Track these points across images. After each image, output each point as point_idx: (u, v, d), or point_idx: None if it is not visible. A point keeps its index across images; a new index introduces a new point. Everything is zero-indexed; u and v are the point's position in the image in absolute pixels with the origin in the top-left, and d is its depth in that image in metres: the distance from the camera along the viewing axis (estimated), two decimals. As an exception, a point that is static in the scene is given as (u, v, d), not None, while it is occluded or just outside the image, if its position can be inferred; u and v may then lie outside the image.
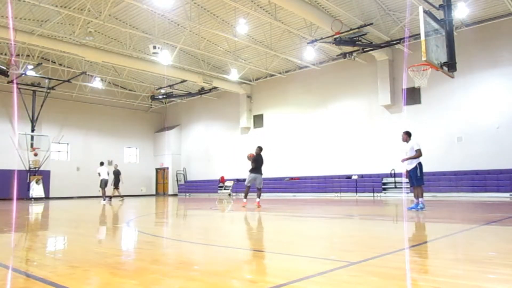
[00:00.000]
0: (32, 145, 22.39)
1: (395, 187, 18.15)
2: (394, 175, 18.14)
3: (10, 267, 3.35)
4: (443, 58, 8.44)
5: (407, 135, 9.19)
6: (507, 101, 15.98)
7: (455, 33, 9.26)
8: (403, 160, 9.10)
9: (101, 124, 27.97)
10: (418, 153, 8.91)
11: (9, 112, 23.82)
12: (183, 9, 16.48)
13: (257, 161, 11.71)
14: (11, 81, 21.56)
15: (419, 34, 7.76)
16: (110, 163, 28.03)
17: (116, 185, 18.51)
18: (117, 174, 18.63)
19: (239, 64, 21.85)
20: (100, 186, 17.38)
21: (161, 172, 30.92)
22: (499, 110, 16.15)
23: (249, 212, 10.26)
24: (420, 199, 8.94)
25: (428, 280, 2.73)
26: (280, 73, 23.06)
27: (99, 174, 17.56)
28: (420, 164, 9.01)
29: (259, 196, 11.68)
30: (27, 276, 3.01)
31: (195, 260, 3.77)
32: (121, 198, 19.18)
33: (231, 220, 8.95)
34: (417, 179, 8.95)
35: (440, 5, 9.06)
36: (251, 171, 11.69)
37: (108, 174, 17.78)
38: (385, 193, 18.52)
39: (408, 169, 9.10)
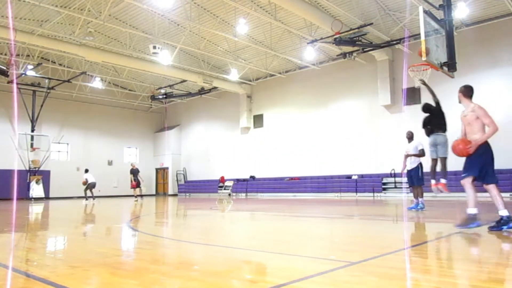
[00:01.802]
0: (32, 145, 22.40)
1: (395, 187, 18.14)
2: (394, 175, 18.13)
3: (10, 267, 3.35)
4: (443, 58, 8.43)
5: (412, 134, 9.34)
6: (507, 101, 15.98)
7: (455, 33, 9.25)
8: (407, 156, 9.16)
9: (101, 124, 27.95)
10: (421, 153, 8.97)
11: (9, 112, 23.81)
12: (183, 9, 16.48)
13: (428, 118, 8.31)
14: (11, 81, 21.56)
15: (419, 34, 7.75)
16: (110, 163, 28.08)
17: (138, 184, 18.85)
18: (135, 173, 18.82)
19: (239, 64, 21.84)
20: (89, 189, 17.92)
21: (161, 172, 30.91)
22: (499, 110, 16.11)
23: (248, 212, 10.26)
24: (420, 199, 8.96)
25: (428, 280, 2.73)
26: (280, 73, 23.05)
27: (87, 180, 18.00)
28: (421, 164, 9.05)
29: (443, 175, 7.70)
30: (27, 276, 3.01)
31: (195, 260, 3.77)
32: (136, 198, 19.18)
33: (231, 220, 8.95)
34: (418, 179, 9.00)
35: (440, 5, 9.05)
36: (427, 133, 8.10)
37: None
38: (385, 193, 18.51)
39: (409, 169, 9.14)
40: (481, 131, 5.03)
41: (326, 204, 13.26)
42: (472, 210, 5.02)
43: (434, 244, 4.52)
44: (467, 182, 5.05)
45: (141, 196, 19.58)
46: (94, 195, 18.53)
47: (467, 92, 5.31)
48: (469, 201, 5.08)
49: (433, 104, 8.26)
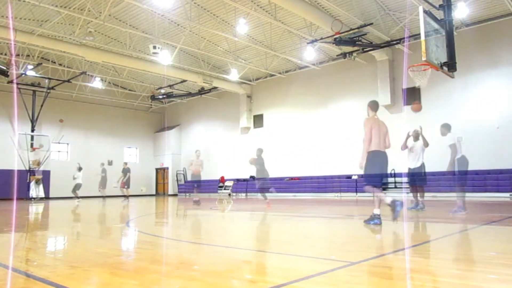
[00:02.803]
0: (32, 145, 22.39)
1: (395, 187, 18.13)
2: (394, 175, 18.12)
3: (10, 267, 3.35)
4: (443, 58, 8.43)
5: (418, 134, 9.39)
6: (507, 101, 15.97)
7: (455, 33, 9.25)
8: (408, 137, 9.30)
9: (101, 124, 27.94)
10: (426, 144, 9.04)
11: (9, 112, 23.80)
12: (183, 9, 16.47)
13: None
14: (11, 81, 21.55)
15: (419, 34, 7.75)
16: (110, 163, 28.03)
17: (127, 184, 18.77)
18: (125, 172, 18.83)
19: (239, 64, 21.84)
20: (74, 189, 18.17)
21: (161, 172, 30.90)
22: (499, 110, 16.13)
23: (249, 212, 10.27)
24: (420, 199, 8.95)
25: (428, 280, 2.72)
26: (280, 73, 23.05)
27: (74, 178, 18.18)
28: (423, 163, 9.06)
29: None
30: (27, 276, 3.00)
31: (195, 260, 3.77)
32: (125, 198, 19.05)
33: (231, 220, 8.95)
34: (421, 179, 9.01)
35: (440, 5, 9.05)
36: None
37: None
38: (385, 193, 18.45)
39: (412, 167, 9.12)
40: (367, 140, 6.02)
41: (326, 204, 13.26)
42: (376, 211, 5.98)
43: (434, 244, 4.52)
44: (368, 188, 6.18)
45: (124, 196, 19.00)
46: (87, 195, 18.76)
47: (369, 105, 6.39)
48: (375, 202, 6.09)
49: None
